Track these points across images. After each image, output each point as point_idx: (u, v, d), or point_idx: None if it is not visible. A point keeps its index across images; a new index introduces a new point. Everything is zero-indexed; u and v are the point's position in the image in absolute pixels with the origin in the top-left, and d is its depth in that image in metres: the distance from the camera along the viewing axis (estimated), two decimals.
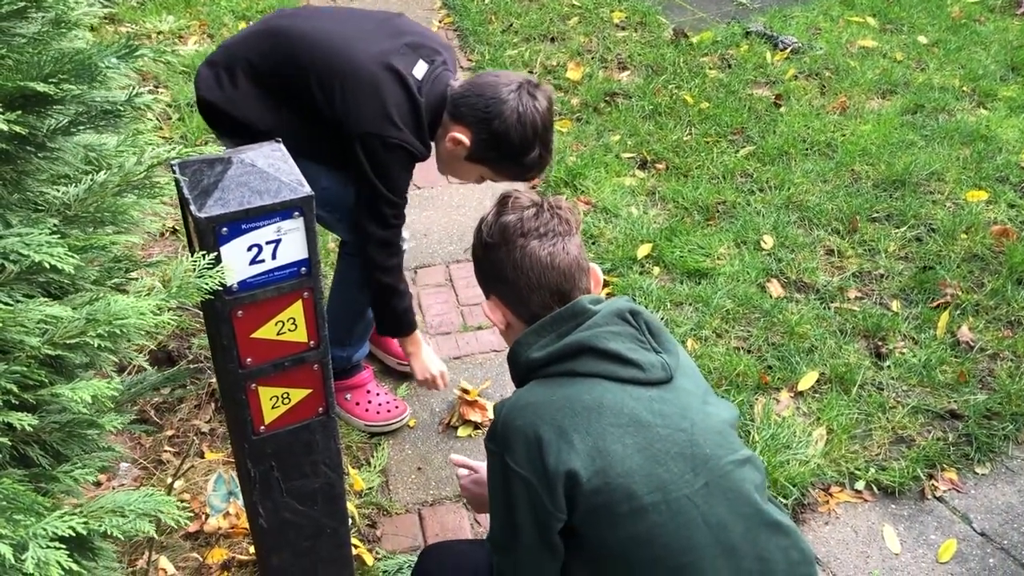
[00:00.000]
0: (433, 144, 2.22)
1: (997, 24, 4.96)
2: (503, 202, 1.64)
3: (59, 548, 0.86)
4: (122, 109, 1.13)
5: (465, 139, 2.12)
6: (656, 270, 3.14)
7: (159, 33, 4.59)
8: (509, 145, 2.10)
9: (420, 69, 2.15)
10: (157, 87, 4.11)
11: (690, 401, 1.50)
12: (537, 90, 2.10)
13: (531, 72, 4.43)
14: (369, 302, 2.41)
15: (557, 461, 1.39)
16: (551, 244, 1.56)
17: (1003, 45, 4.70)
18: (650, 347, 1.51)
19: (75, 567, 0.87)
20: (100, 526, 1.02)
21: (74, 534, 0.87)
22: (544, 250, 1.55)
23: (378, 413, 2.53)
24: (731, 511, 1.44)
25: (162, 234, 3.20)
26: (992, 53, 4.63)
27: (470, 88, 2.13)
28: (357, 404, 2.53)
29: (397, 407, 2.55)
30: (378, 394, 2.56)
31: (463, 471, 1.98)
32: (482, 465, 1.92)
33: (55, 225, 1.10)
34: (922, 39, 4.78)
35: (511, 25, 4.88)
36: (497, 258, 1.59)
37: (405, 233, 2.59)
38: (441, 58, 2.20)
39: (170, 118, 3.89)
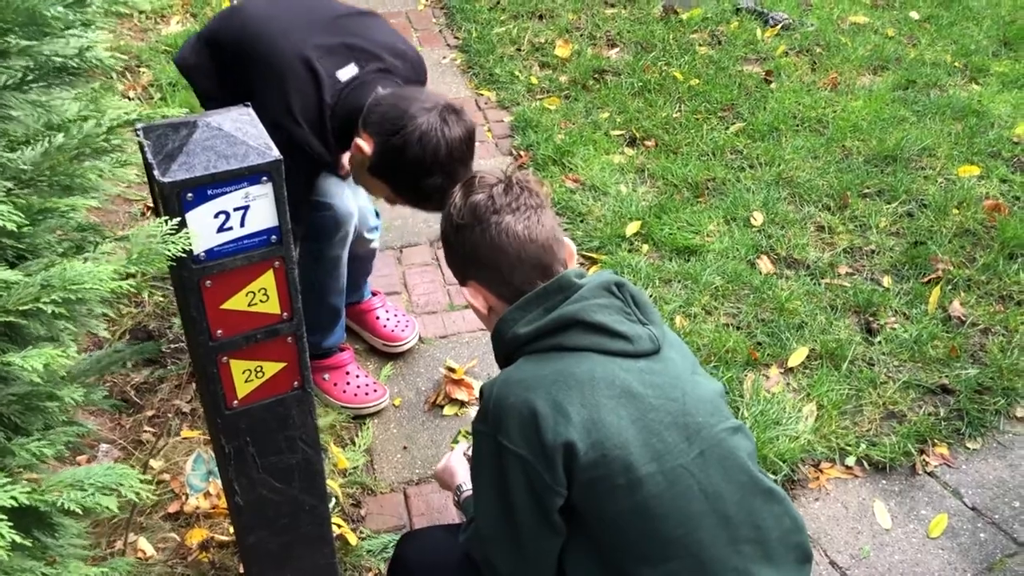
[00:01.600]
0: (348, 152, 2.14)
1: None
2: (469, 183, 1.59)
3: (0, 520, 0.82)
4: (74, 65, 1.08)
5: (367, 148, 1.99)
6: (645, 247, 3.10)
7: (141, 12, 4.52)
8: (404, 164, 1.95)
9: (347, 72, 2.08)
10: (139, 66, 4.05)
11: (679, 371, 1.49)
12: (454, 117, 1.95)
13: (518, 50, 4.38)
14: (328, 288, 2.38)
15: (554, 434, 1.36)
16: (525, 218, 1.52)
17: (995, 20, 4.66)
18: (637, 319, 1.50)
19: (19, 539, 0.83)
20: (57, 500, 0.98)
21: (17, 504, 0.83)
22: (519, 224, 1.52)
23: (355, 395, 2.48)
24: (726, 479, 1.43)
25: (143, 213, 3.15)
26: (984, 28, 4.59)
27: (389, 98, 2.02)
28: (335, 385, 2.49)
29: (376, 391, 2.50)
30: (357, 376, 2.51)
31: (445, 457, 1.96)
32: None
33: (9, 189, 1.05)
34: (914, 15, 4.74)
35: (498, 2, 4.82)
36: (471, 240, 1.55)
37: (373, 221, 2.55)
38: (379, 65, 2.12)
39: (152, 98, 3.83)
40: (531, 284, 1.52)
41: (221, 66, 2.17)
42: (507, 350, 1.53)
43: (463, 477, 1.88)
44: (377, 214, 2.61)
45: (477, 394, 2.44)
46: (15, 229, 0.88)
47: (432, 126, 1.91)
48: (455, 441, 2.08)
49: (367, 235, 2.54)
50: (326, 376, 2.48)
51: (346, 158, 2.18)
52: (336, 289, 2.41)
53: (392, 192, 2.06)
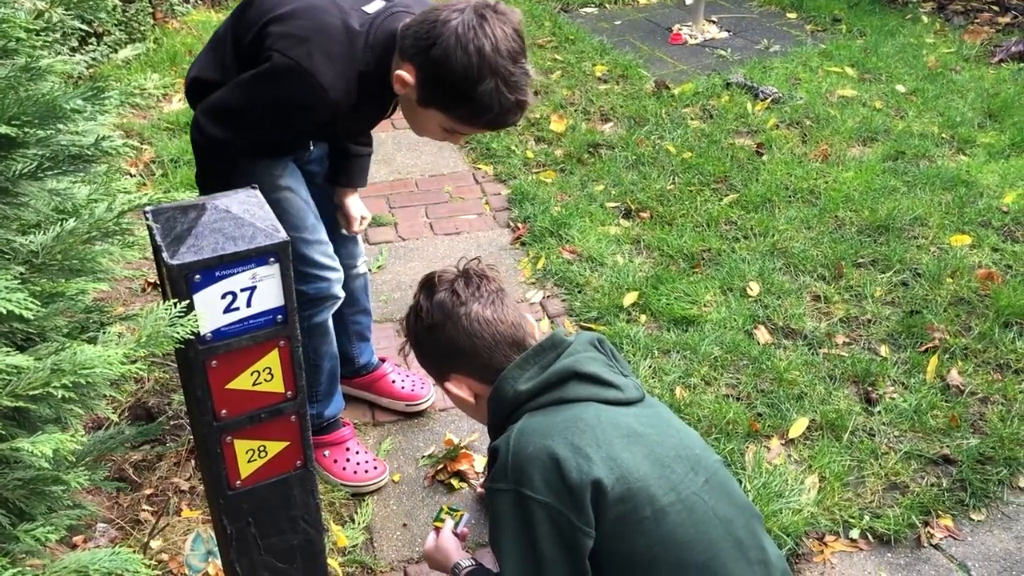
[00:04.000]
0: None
1: (972, 73, 5.04)
2: (428, 284, 1.72)
3: None
4: (90, 153, 1.10)
5: (409, 77, 1.81)
6: (643, 318, 3.11)
7: (143, 90, 4.60)
8: (451, 76, 1.74)
9: (374, 5, 1.91)
10: (141, 143, 4.11)
11: (667, 415, 1.65)
12: (491, 11, 1.74)
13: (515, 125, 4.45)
14: (322, 353, 2.35)
15: (580, 474, 1.43)
16: (491, 303, 1.65)
17: (979, 93, 4.77)
18: (619, 371, 1.63)
19: None
20: None
21: None
22: (487, 310, 1.64)
23: (355, 473, 2.46)
24: (730, 504, 1.53)
25: (143, 289, 3.16)
26: (969, 101, 4.69)
27: (419, 16, 1.82)
28: (335, 462, 2.47)
29: (376, 468, 2.48)
30: (357, 452, 2.49)
31: (432, 536, 1.95)
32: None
33: (21, 273, 1.07)
34: (900, 88, 4.85)
35: None
36: (446, 335, 1.65)
37: (361, 265, 2.54)
38: (402, 1, 1.95)
39: (153, 174, 3.88)
40: (510, 361, 1.63)
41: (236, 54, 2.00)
42: (508, 410, 1.60)
43: (458, 555, 1.87)
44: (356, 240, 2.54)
45: (485, 460, 2.41)
46: (31, 317, 0.90)
47: (469, 25, 1.72)
48: (438, 519, 2.04)
49: (358, 264, 2.52)
50: (326, 452, 2.46)
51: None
52: (330, 353, 2.39)
53: (450, 118, 1.87)
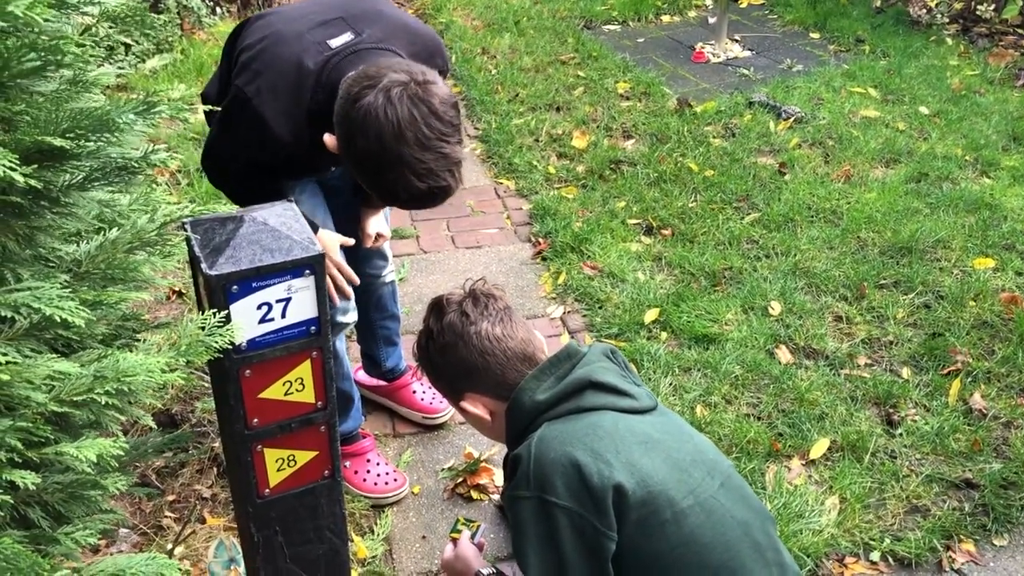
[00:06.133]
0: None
1: (997, 95, 5.02)
2: (437, 307, 1.75)
3: None
4: (137, 166, 1.13)
5: (333, 145, 1.73)
6: (664, 335, 3.12)
7: (170, 100, 4.65)
8: (358, 157, 1.67)
9: (341, 40, 1.81)
10: (168, 152, 4.15)
11: (680, 422, 1.69)
12: (410, 89, 1.62)
13: (537, 141, 4.48)
14: (336, 374, 2.34)
15: (602, 478, 1.46)
16: (500, 321, 1.69)
17: (1003, 116, 4.76)
18: (632, 381, 1.67)
19: None
20: None
21: None
22: (497, 328, 1.68)
23: (375, 485, 2.47)
24: (746, 507, 1.57)
25: (168, 297, 3.20)
26: (993, 124, 4.68)
27: (351, 77, 1.70)
28: (355, 473, 2.48)
29: (396, 480, 2.49)
30: (378, 464, 2.51)
31: (449, 547, 1.97)
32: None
33: (66, 281, 1.09)
34: (923, 109, 4.84)
35: (517, 95, 4.96)
36: (458, 355, 1.68)
37: (387, 275, 2.55)
38: (380, 37, 1.84)
39: (179, 183, 3.93)
40: (523, 376, 1.66)
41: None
42: (527, 420, 1.63)
43: (478, 563, 1.88)
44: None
45: (503, 471, 2.42)
46: (82, 324, 0.92)
47: (375, 107, 1.60)
48: (455, 531, 2.05)
49: (385, 276, 2.54)
50: (347, 464, 2.48)
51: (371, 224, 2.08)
52: (343, 374, 2.41)
53: (375, 196, 1.79)
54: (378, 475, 2.48)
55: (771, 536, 1.60)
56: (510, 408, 1.65)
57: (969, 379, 2.93)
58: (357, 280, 2.17)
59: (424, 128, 1.62)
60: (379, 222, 2.45)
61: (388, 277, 2.59)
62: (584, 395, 1.59)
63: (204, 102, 2.09)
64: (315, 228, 1.94)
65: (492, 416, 1.72)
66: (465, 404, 1.73)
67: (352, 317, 2.30)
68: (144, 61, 4.87)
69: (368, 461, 2.50)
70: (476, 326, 1.66)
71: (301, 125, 1.81)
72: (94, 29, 1.34)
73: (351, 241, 2.16)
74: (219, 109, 1.89)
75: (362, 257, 2.42)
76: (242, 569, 2.11)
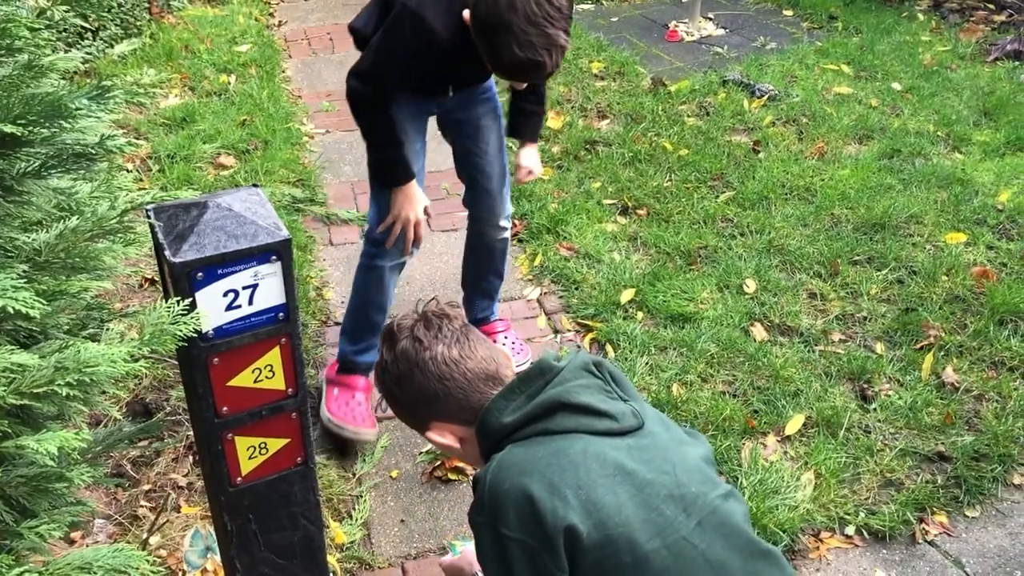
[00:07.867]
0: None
1: (968, 71, 5.05)
2: (389, 335, 1.61)
3: None
4: (94, 152, 1.11)
5: (467, 16, 2.01)
6: (640, 315, 3.12)
7: (139, 85, 4.59)
8: (477, 20, 1.96)
9: None
10: (137, 138, 4.10)
11: (666, 444, 1.51)
12: None
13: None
14: (368, 297, 2.45)
15: (554, 518, 1.35)
16: (456, 342, 1.56)
17: (975, 91, 4.78)
18: (618, 396, 1.51)
19: None
20: None
21: None
22: (453, 350, 1.55)
23: (344, 414, 2.50)
24: (727, 546, 1.44)
25: (140, 285, 3.16)
26: (964, 99, 4.71)
27: None
28: (335, 398, 2.52)
29: (365, 421, 2.52)
30: (360, 404, 2.54)
31: (446, 558, 1.95)
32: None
33: (24, 271, 1.07)
34: (896, 86, 4.86)
35: None
36: (416, 383, 1.56)
37: (503, 222, 2.70)
38: None
39: (150, 170, 3.88)
40: (488, 397, 1.53)
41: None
42: (492, 442, 1.51)
43: (477, 565, 1.86)
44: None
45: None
46: (37, 316, 0.90)
47: None
48: (451, 550, 2.06)
49: (501, 223, 2.68)
50: (335, 391, 2.53)
51: None
52: (376, 303, 2.47)
53: (485, 59, 2.02)
54: (353, 408, 2.52)
55: (757, 575, 1.47)
56: (478, 431, 1.53)
57: (942, 353, 2.95)
58: (421, 242, 2.45)
59: (534, 5, 1.87)
60: (532, 158, 2.61)
61: (503, 229, 2.72)
62: (555, 417, 1.46)
63: (352, 32, 2.34)
64: (410, 178, 2.32)
65: (462, 443, 1.59)
66: (431, 434, 1.59)
67: (407, 258, 2.47)
68: (112, 46, 4.79)
69: (353, 397, 2.54)
70: (431, 351, 1.54)
71: (457, 23, 2.06)
72: (54, 15, 1.30)
73: (431, 212, 2.47)
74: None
75: (482, 199, 2.62)
76: (218, 557, 2.10)
